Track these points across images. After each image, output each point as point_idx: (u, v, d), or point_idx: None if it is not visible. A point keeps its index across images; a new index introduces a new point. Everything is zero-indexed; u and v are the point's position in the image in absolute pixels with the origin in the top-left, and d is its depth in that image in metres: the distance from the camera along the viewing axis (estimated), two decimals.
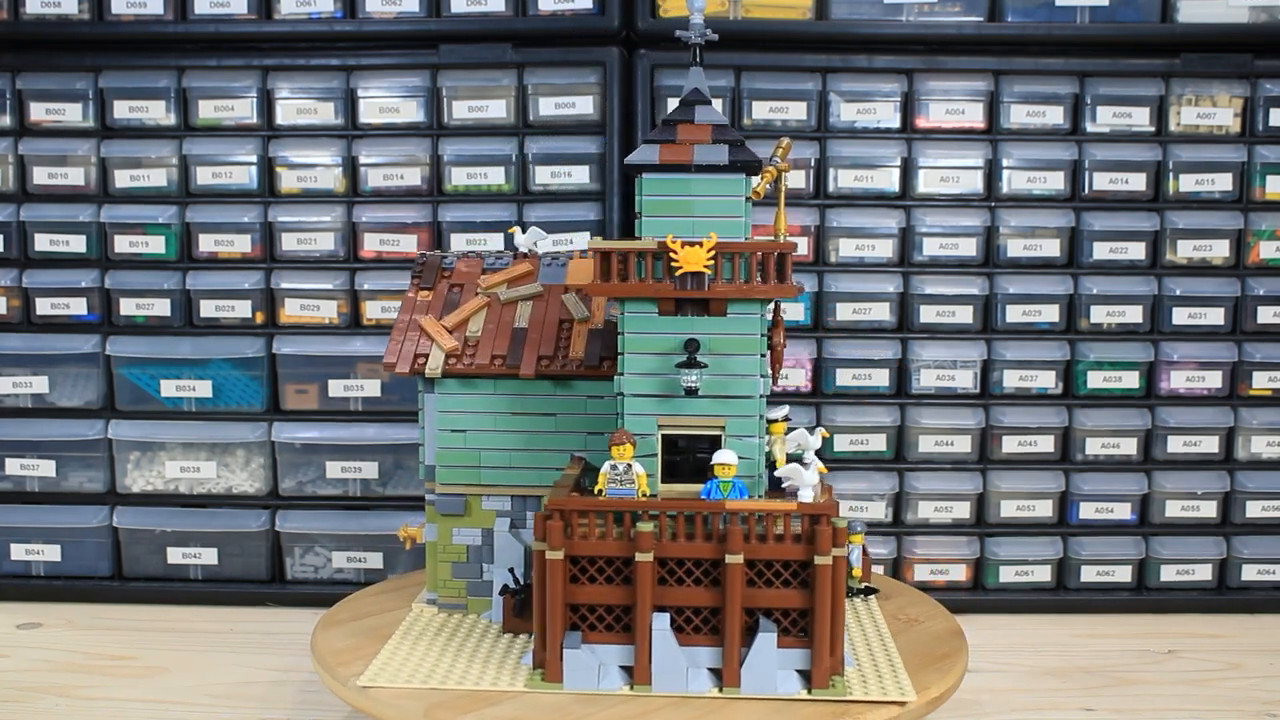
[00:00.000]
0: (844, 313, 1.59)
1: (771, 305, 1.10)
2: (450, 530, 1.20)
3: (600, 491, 1.03)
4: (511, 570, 1.17)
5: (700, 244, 1.04)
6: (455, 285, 1.26)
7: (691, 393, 1.05)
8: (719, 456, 1.03)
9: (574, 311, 1.21)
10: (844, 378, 1.59)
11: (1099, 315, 1.60)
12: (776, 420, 1.16)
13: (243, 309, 1.61)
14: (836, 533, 1.01)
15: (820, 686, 1.02)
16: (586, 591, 1.03)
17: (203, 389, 1.62)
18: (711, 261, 1.04)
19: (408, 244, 1.59)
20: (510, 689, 1.02)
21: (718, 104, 1.56)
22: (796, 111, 1.57)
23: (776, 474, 1.09)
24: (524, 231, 1.36)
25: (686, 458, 1.08)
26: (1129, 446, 1.62)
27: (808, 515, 1.01)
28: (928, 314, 1.59)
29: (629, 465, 1.03)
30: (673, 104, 1.56)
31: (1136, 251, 1.60)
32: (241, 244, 1.61)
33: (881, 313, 1.59)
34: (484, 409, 1.19)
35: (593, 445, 1.18)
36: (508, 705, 0.99)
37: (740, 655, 1.02)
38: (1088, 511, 1.62)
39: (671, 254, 1.04)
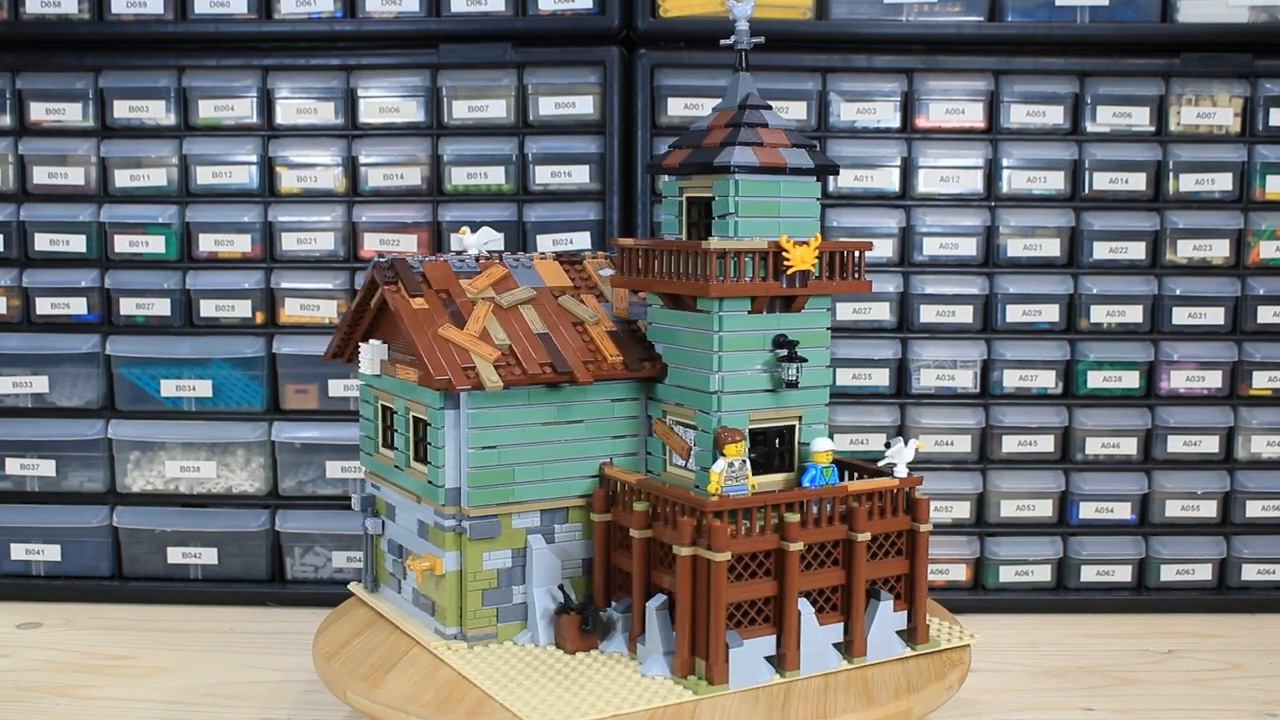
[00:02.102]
0: (844, 312, 1.59)
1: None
2: (480, 555, 1.12)
3: (718, 491, 1.04)
4: (561, 587, 1.13)
5: (808, 243, 1.09)
6: (441, 291, 1.17)
7: (792, 385, 1.09)
8: (818, 444, 1.10)
9: (583, 314, 1.19)
10: (844, 377, 1.59)
11: (1099, 315, 1.60)
12: None
13: (243, 309, 1.61)
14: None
15: (923, 642, 1.13)
16: (743, 589, 1.03)
17: (203, 389, 1.62)
18: (817, 260, 1.09)
19: (408, 244, 1.59)
20: (683, 699, 1.00)
21: (718, 103, 1.56)
22: (796, 111, 1.57)
23: (887, 453, 1.15)
24: (473, 232, 1.28)
25: (763, 449, 1.11)
26: (1129, 446, 1.62)
27: (904, 489, 1.12)
28: (928, 314, 1.59)
29: (743, 461, 1.05)
30: (673, 104, 1.57)
31: (1136, 251, 1.60)
32: (241, 244, 1.61)
33: (881, 312, 1.60)
34: (518, 421, 1.12)
35: (619, 450, 1.16)
36: (710, 715, 0.98)
37: (865, 626, 1.10)
38: (1088, 511, 1.62)
39: (785, 253, 1.07)
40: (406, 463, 1.17)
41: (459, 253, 1.23)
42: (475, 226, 1.30)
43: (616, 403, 1.16)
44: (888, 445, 1.17)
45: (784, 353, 1.09)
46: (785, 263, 1.08)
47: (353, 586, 1.29)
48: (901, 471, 1.13)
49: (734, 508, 1.03)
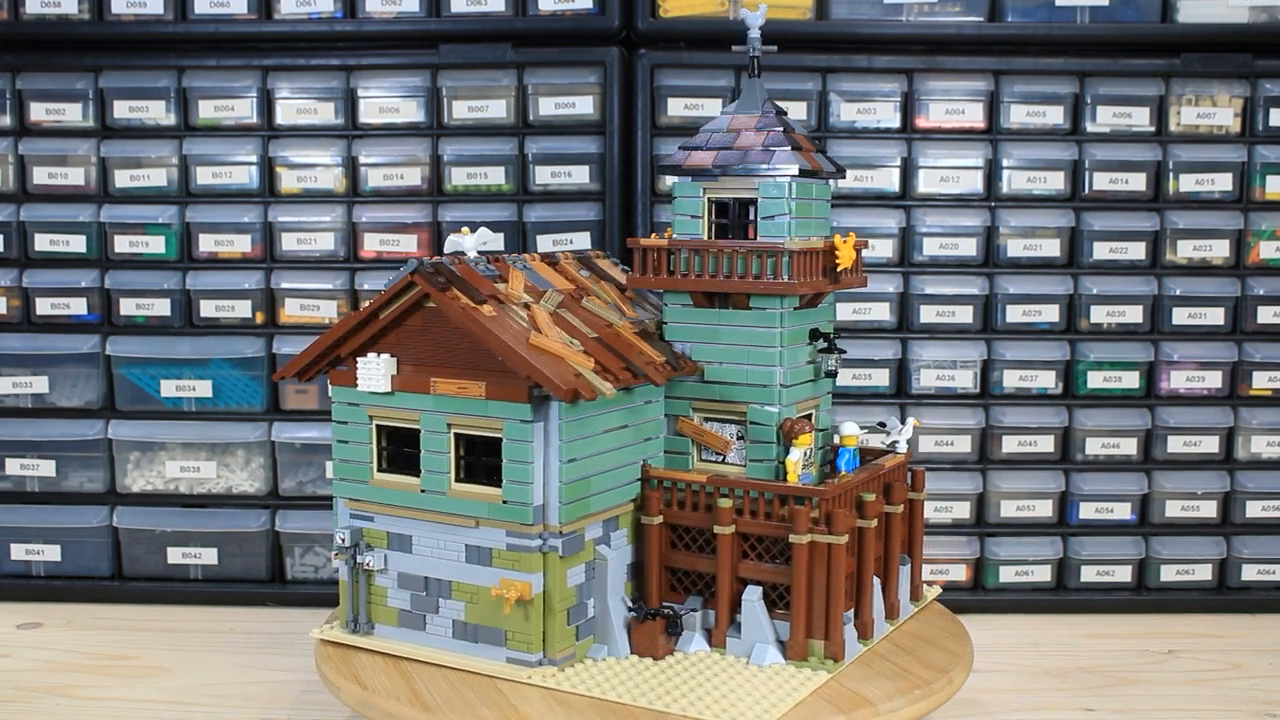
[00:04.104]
0: (844, 312, 1.59)
1: None
2: (565, 574, 1.05)
3: (796, 480, 1.09)
4: (633, 595, 1.12)
5: (846, 242, 1.14)
6: (489, 297, 1.09)
7: (831, 375, 1.15)
8: (847, 429, 1.15)
9: (610, 316, 1.16)
10: (844, 377, 1.59)
11: (1099, 315, 1.60)
12: None
13: (243, 309, 1.61)
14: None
15: (920, 598, 1.23)
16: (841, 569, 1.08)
17: (203, 389, 1.62)
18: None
19: (408, 244, 1.59)
20: (825, 679, 1.04)
21: (718, 103, 1.56)
22: (797, 111, 1.57)
23: (891, 433, 1.22)
24: (472, 232, 1.20)
25: None
26: (1129, 446, 1.62)
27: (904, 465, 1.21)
28: (928, 314, 1.59)
29: (812, 448, 1.11)
30: (673, 104, 1.57)
31: (1136, 251, 1.60)
32: (241, 244, 1.61)
33: (881, 313, 1.60)
34: (594, 430, 1.07)
35: (649, 451, 1.15)
36: (870, 690, 1.02)
37: (897, 589, 1.18)
38: (1088, 511, 1.62)
39: (837, 252, 1.13)
40: (446, 486, 1.08)
41: (457, 254, 1.18)
42: (475, 227, 1.27)
43: (648, 404, 1.14)
44: (881, 424, 1.21)
45: (823, 344, 1.14)
46: (835, 260, 1.13)
47: (326, 632, 1.14)
48: (903, 448, 1.21)
49: (841, 493, 1.07)
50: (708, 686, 1.02)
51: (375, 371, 1.10)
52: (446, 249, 1.16)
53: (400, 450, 1.11)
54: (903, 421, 1.22)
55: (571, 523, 1.06)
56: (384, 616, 1.12)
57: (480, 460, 1.07)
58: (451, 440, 1.08)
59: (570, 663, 1.07)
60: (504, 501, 1.05)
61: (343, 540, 1.12)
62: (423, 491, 1.09)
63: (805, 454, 1.09)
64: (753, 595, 1.08)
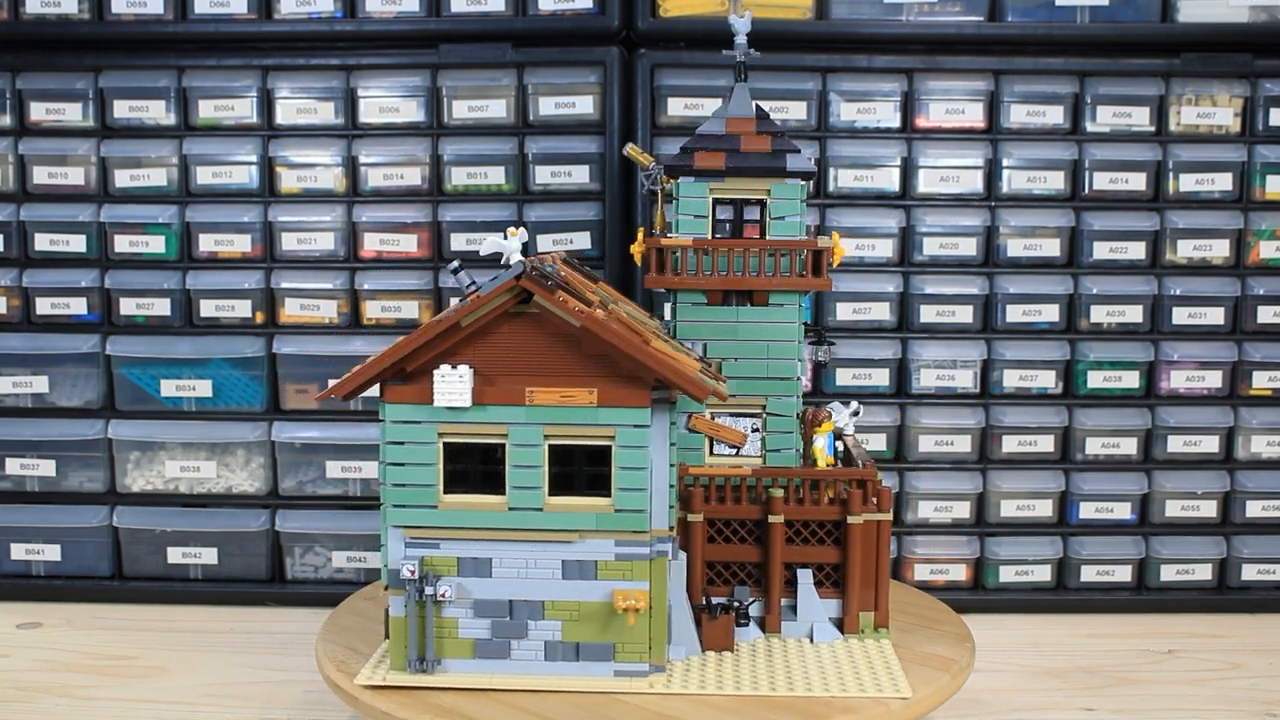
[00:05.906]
0: (844, 312, 1.59)
1: None
2: (667, 578, 1.04)
3: (825, 465, 1.17)
4: (705, 592, 1.13)
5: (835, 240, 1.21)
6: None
7: (823, 366, 1.24)
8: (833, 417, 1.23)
9: (640, 317, 1.16)
10: (844, 377, 1.59)
11: (1099, 315, 1.60)
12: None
13: (243, 309, 1.61)
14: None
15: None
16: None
17: (203, 389, 1.62)
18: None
19: (408, 244, 1.59)
20: (883, 645, 1.13)
21: (717, 103, 1.56)
22: (796, 111, 1.57)
23: (841, 418, 1.28)
24: (517, 233, 1.16)
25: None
26: (1129, 446, 1.62)
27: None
28: (928, 314, 1.59)
29: (831, 435, 1.19)
30: (673, 104, 1.57)
31: (1136, 251, 1.60)
32: (241, 244, 1.61)
33: (881, 312, 1.60)
34: (677, 431, 1.07)
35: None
36: (935, 649, 1.11)
37: None
38: (1088, 511, 1.62)
39: (834, 249, 1.20)
40: (541, 501, 1.02)
41: (495, 255, 1.10)
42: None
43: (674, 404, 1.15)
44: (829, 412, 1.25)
45: (814, 337, 1.21)
46: (831, 257, 1.19)
47: (373, 677, 1.04)
48: (851, 430, 1.28)
49: (878, 474, 1.15)
50: (808, 667, 1.07)
51: (457, 385, 1.01)
52: (484, 251, 1.08)
53: (474, 468, 1.04)
54: (849, 405, 1.30)
55: (674, 526, 1.05)
56: (455, 650, 1.04)
57: (581, 470, 1.02)
58: (546, 452, 1.02)
59: (670, 666, 1.06)
60: (616, 510, 1.01)
61: (411, 573, 1.02)
62: (510, 510, 1.02)
63: (828, 440, 1.15)
64: (806, 578, 1.13)
